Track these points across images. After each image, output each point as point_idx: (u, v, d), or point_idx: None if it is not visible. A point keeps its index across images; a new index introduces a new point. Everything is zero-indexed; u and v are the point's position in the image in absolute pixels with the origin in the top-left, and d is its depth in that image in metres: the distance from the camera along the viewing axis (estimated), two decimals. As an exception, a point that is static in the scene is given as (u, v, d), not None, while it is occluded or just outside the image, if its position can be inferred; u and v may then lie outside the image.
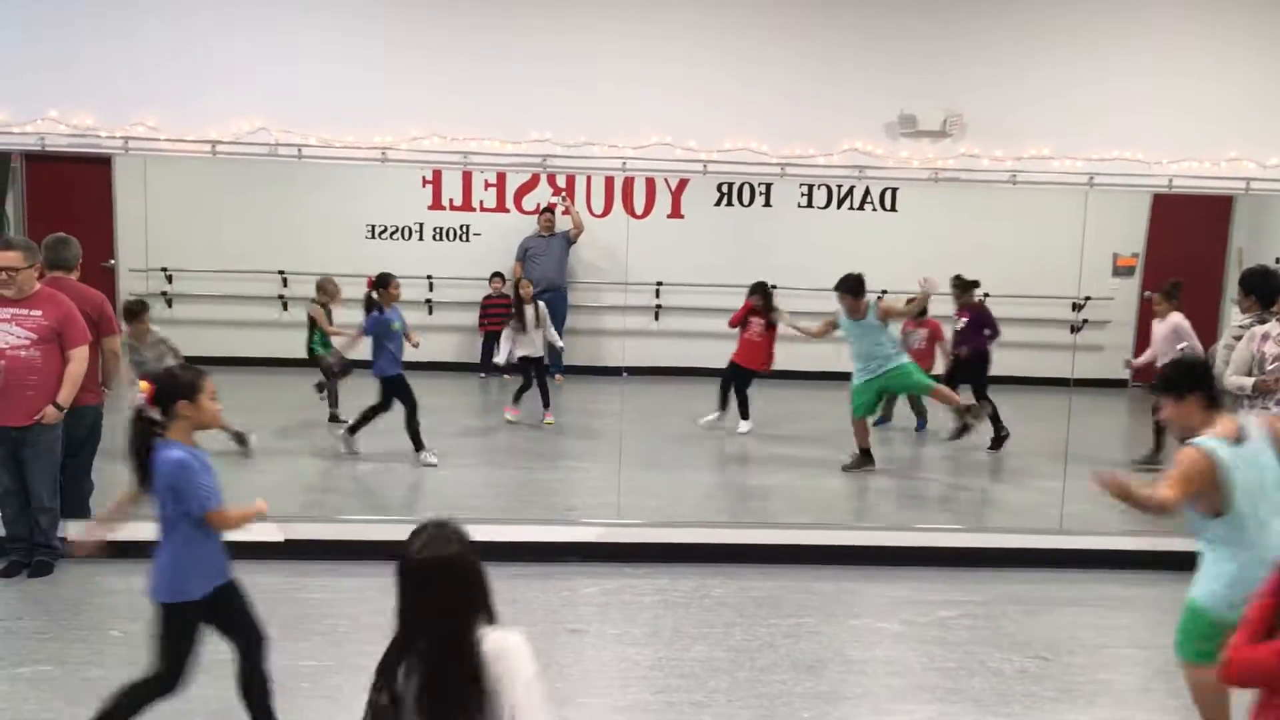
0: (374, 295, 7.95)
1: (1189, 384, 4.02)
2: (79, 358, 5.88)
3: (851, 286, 8.06)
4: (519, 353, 9.25)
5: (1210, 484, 3.84)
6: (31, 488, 5.95)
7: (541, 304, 9.28)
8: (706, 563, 6.44)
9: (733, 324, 9.08)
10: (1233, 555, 3.88)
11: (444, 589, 2.69)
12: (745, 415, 9.20)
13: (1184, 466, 3.86)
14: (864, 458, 8.20)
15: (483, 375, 10.58)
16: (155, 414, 3.80)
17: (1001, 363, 10.05)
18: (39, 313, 5.75)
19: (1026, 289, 9.85)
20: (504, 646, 2.68)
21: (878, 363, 8.15)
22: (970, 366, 8.85)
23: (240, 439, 7.81)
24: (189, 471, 3.78)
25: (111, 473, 6.88)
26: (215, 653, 4.06)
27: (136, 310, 7.53)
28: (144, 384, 3.83)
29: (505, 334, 9.20)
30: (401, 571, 2.72)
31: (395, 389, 7.93)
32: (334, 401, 8.92)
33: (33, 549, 6.05)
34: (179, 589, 3.88)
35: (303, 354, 8.70)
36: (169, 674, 3.90)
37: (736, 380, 9.14)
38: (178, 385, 3.84)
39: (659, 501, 7.55)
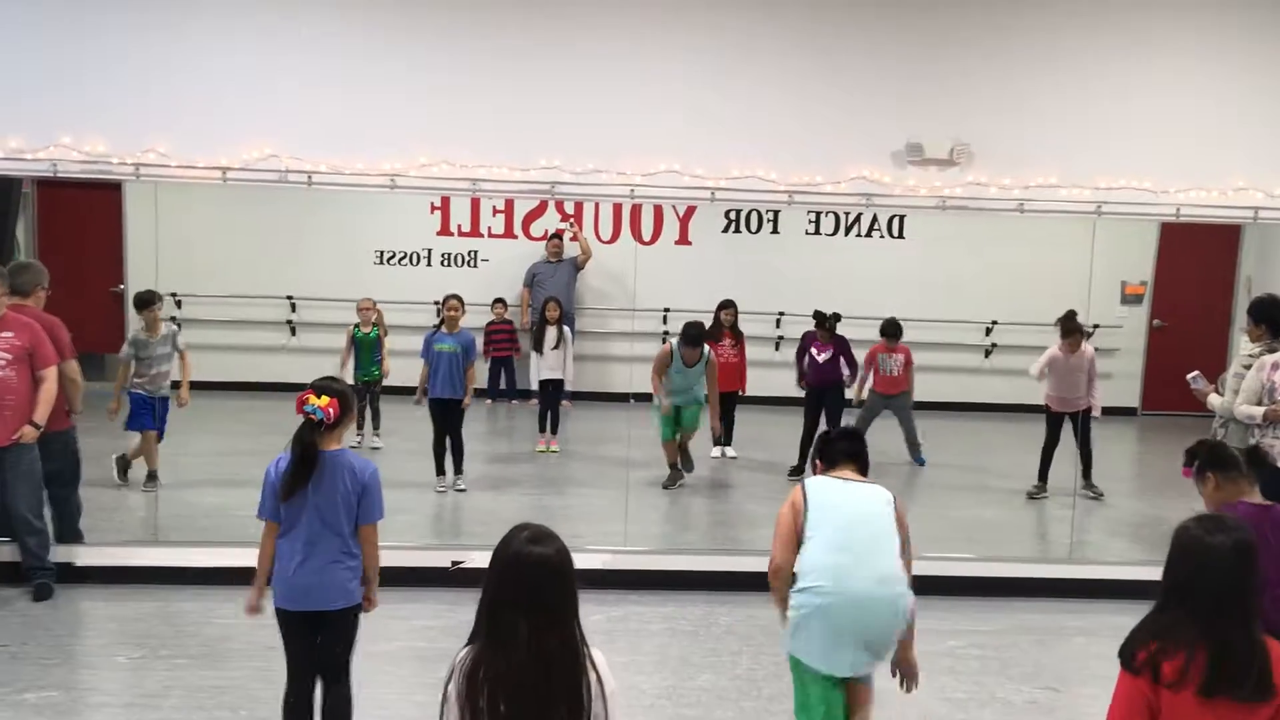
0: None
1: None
2: (51, 377, 5.95)
3: (693, 338, 8.17)
4: (540, 375, 9.29)
5: None
6: (16, 511, 5.98)
7: (566, 327, 9.33)
8: (714, 590, 6.41)
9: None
10: None
11: (558, 583, 2.67)
12: (727, 440, 9.24)
13: None
14: (675, 473, 8.49)
15: (489, 401, 10.58)
16: (330, 423, 4.00)
17: (1010, 390, 10.04)
18: (10, 334, 5.83)
19: (1035, 316, 9.83)
20: (598, 657, 2.71)
21: (688, 396, 8.38)
22: (831, 396, 8.88)
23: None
24: (379, 480, 4.10)
25: (91, 495, 6.95)
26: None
27: (148, 300, 7.56)
28: (325, 398, 3.98)
29: (533, 359, 9.39)
30: (511, 565, 2.67)
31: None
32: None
33: (30, 572, 6.07)
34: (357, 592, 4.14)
35: (308, 379, 8.72)
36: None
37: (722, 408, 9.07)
38: (350, 401, 4.13)
39: (666, 528, 7.55)
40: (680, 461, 8.50)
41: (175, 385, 7.80)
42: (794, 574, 3.91)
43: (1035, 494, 8.40)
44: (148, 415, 7.67)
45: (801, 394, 8.98)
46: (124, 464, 7.76)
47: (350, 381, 8.49)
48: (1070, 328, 8.11)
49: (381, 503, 4.15)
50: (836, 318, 8.84)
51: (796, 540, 3.92)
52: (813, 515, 3.90)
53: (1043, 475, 8.40)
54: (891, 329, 8.98)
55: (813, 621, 3.81)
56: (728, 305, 9.17)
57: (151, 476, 7.86)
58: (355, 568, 4.10)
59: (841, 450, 4.18)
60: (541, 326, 9.33)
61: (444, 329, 8.03)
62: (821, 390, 8.84)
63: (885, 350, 8.98)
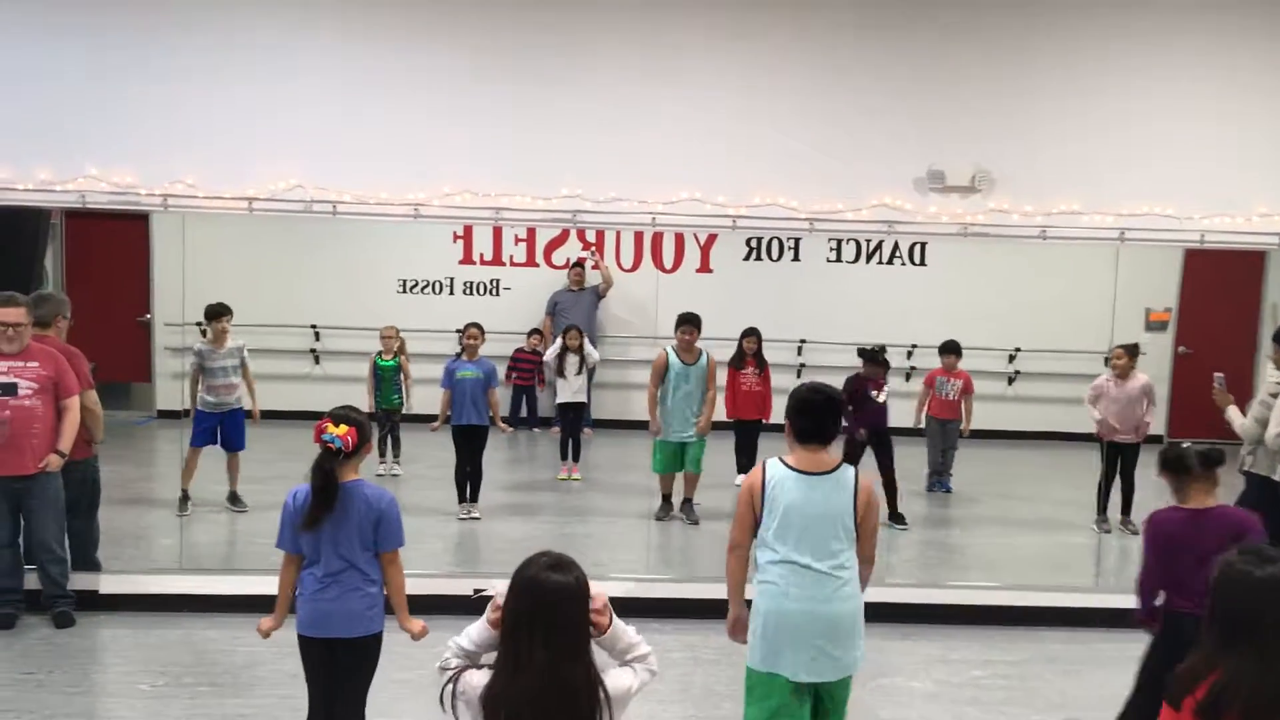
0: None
1: None
2: (75, 406, 6.03)
3: (685, 318, 8.04)
4: (560, 399, 9.31)
5: None
6: (41, 539, 6.03)
7: (588, 347, 9.35)
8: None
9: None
10: None
11: (575, 610, 2.72)
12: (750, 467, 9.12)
13: None
14: (667, 504, 8.32)
15: (512, 429, 10.60)
16: (348, 451, 4.03)
17: (1034, 418, 9.98)
18: (36, 364, 5.91)
19: (1058, 344, 9.80)
20: (617, 681, 2.75)
21: (688, 425, 8.13)
22: (888, 442, 8.43)
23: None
24: (397, 509, 4.11)
25: (115, 523, 7.00)
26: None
27: (219, 311, 7.69)
28: (344, 426, 4.00)
29: (557, 383, 9.41)
30: (529, 590, 2.71)
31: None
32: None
33: (51, 600, 6.12)
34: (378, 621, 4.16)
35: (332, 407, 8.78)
36: None
37: (743, 435, 9.01)
38: (368, 430, 4.14)
39: (688, 556, 7.52)
40: (685, 512, 8.30)
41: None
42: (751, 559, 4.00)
43: (1100, 528, 8.15)
44: (206, 432, 7.75)
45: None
46: (183, 496, 7.78)
47: (369, 410, 8.58)
48: (1118, 352, 7.99)
49: (400, 530, 4.17)
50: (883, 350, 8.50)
51: (754, 524, 3.98)
52: (768, 507, 3.92)
53: (1101, 509, 8.17)
54: (953, 348, 8.86)
55: (767, 624, 3.88)
56: (750, 333, 9.12)
57: (233, 498, 7.94)
58: (375, 595, 4.11)
59: (815, 426, 3.98)
60: (563, 352, 9.36)
61: (464, 357, 8.07)
62: (879, 433, 8.36)
63: (944, 374, 8.91)
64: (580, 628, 2.72)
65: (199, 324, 7.88)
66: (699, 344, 8.15)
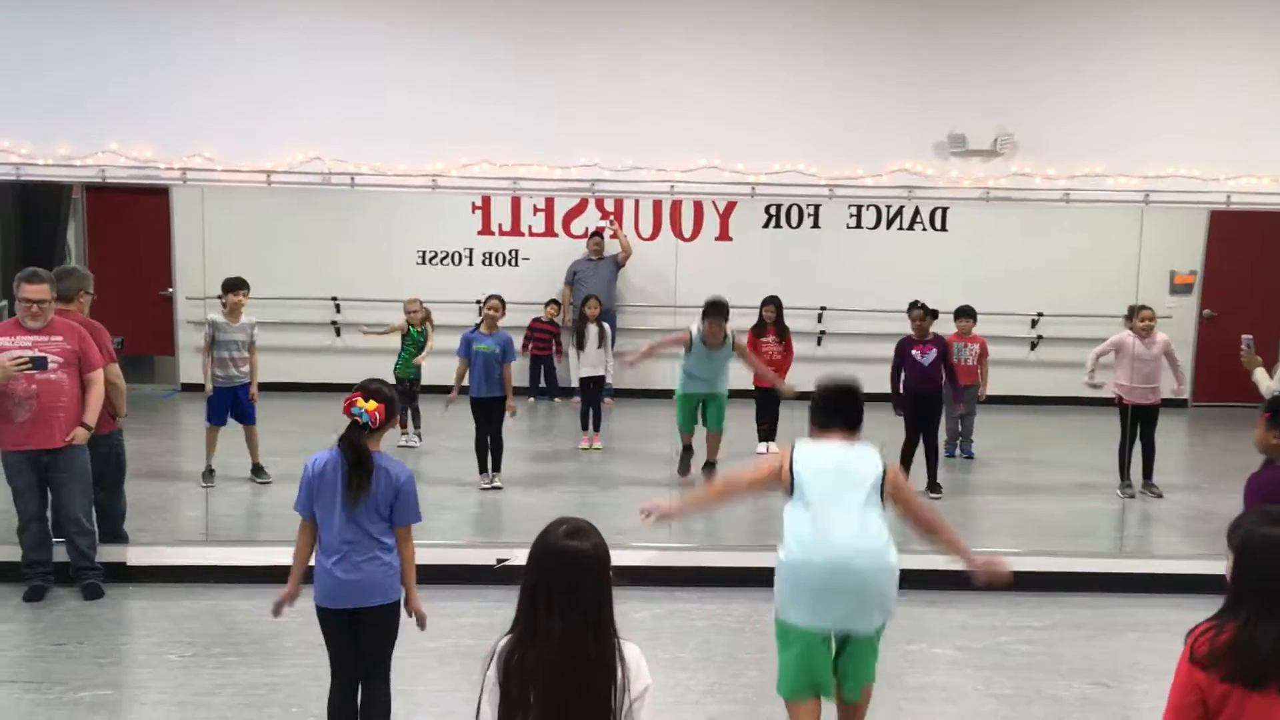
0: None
1: None
2: (99, 380, 6.06)
3: (715, 306, 7.90)
4: (581, 372, 9.31)
5: None
6: (68, 512, 6.09)
7: (606, 324, 9.34)
8: (759, 587, 6.35)
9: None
10: None
11: (593, 578, 2.69)
12: (771, 436, 9.10)
13: None
14: (687, 453, 8.29)
15: (532, 399, 10.62)
16: (374, 427, 4.06)
17: (1057, 383, 9.92)
18: (60, 338, 5.94)
19: (1081, 308, 9.72)
20: (630, 652, 2.70)
21: (709, 386, 8.11)
22: (935, 404, 8.31)
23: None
24: (414, 485, 4.15)
25: (141, 496, 7.08)
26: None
27: (236, 285, 7.76)
28: (373, 402, 4.03)
29: (571, 354, 9.39)
30: (547, 558, 2.69)
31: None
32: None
33: (79, 573, 6.18)
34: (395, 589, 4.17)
35: (353, 379, 8.83)
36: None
37: (764, 403, 8.99)
38: (395, 406, 4.17)
39: (710, 524, 7.52)
40: (707, 475, 8.16)
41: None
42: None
43: (1124, 493, 8.09)
44: (220, 410, 7.81)
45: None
46: (207, 470, 7.86)
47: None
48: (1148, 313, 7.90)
49: (417, 506, 4.19)
50: (935, 313, 8.36)
51: (761, 486, 4.14)
52: (798, 480, 4.00)
53: (1124, 474, 8.11)
54: (968, 312, 8.80)
55: (796, 579, 3.92)
56: (769, 302, 9.08)
57: (257, 469, 8.02)
58: (392, 563, 4.12)
59: (833, 412, 4.17)
60: (582, 323, 9.35)
61: (483, 328, 8.07)
62: (927, 397, 8.23)
63: (959, 339, 8.84)
64: (599, 598, 2.69)
65: (219, 297, 7.93)
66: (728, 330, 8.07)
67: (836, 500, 3.94)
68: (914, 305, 8.23)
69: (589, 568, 2.69)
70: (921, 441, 8.15)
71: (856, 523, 3.91)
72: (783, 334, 8.99)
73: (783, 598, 3.99)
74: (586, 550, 2.70)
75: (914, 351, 8.19)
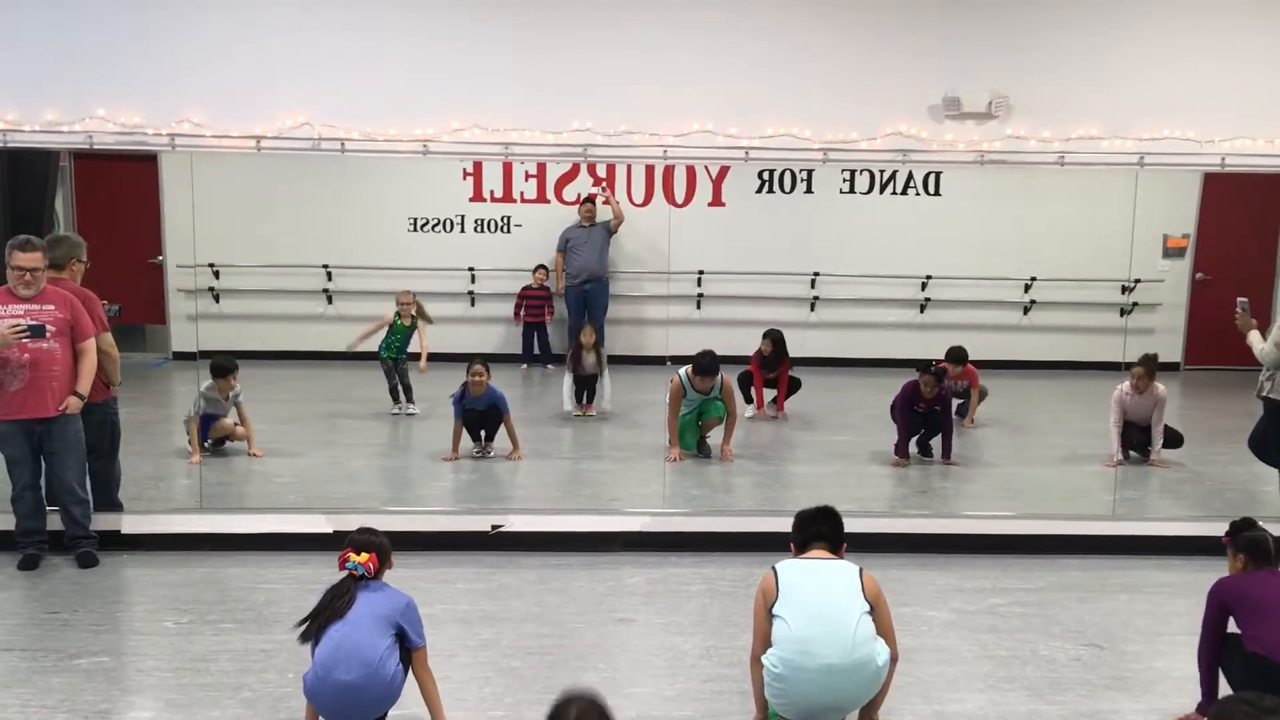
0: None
1: None
2: (91, 349, 6.04)
3: (705, 368, 7.91)
4: (566, 407, 9.23)
5: None
6: (62, 480, 6.08)
7: (602, 350, 9.24)
8: (753, 551, 6.40)
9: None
10: None
11: None
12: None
13: None
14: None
15: (524, 365, 10.61)
16: (371, 576, 4.15)
17: (1051, 347, 9.95)
18: (51, 306, 5.91)
19: (1075, 272, 9.73)
20: None
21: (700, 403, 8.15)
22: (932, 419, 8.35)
23: None
24: (417, 609, 4.18)
25: (135, 464, 7.07)
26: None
27: (224, 371, 7.87)
28: (365, 554, 4.13)
29: (566, 381, 9.16)
30: None
31: None
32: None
33: (74, 541, 6.18)
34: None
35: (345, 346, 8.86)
36: None
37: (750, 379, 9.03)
38: (388, 550, 4.28)
39: (704, 490, 7.55)
40: (699, 449, 8.22)
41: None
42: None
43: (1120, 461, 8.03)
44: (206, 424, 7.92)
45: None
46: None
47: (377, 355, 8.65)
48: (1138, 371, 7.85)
49: (422, 628, 4.16)
50: (943, 371, 8.32)
51: (768, 624, 4.14)
52: (783, 594, 4.11)
53: (1121, 447, 8.06)
54: (958, 357, 8.73)
55: (786, 691, 4.02)
56: (767, 335, 9.06)
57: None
58: (398, 682, 4.02)
59: (815, 532, 4.34)
60: (578, 351, 9.23)
61: (471, 392, 7.91)
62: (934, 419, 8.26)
63: (953, 379, 8.70)
64: None
65: (211, 289, 7.87)
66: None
67: (823, 610, 4.04)
68: (928, 369, 8.09)
69: None
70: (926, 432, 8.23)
71: (847, 629, 3.99)
72: (779, 361, 8.96)
73: (779, 704, 4.10)
74: None
75: (918, 407, 8.14)
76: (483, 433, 8.09)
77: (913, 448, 8.21)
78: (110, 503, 6.51)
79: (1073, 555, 6.48)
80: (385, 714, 4.06)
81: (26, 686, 4.69)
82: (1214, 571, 4.65)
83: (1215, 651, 4.39)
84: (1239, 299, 6.33)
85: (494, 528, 6.39)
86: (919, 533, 6.63)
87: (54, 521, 6.21)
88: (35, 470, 6.08)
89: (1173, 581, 6.12)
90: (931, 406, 8.09)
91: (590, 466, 8.17)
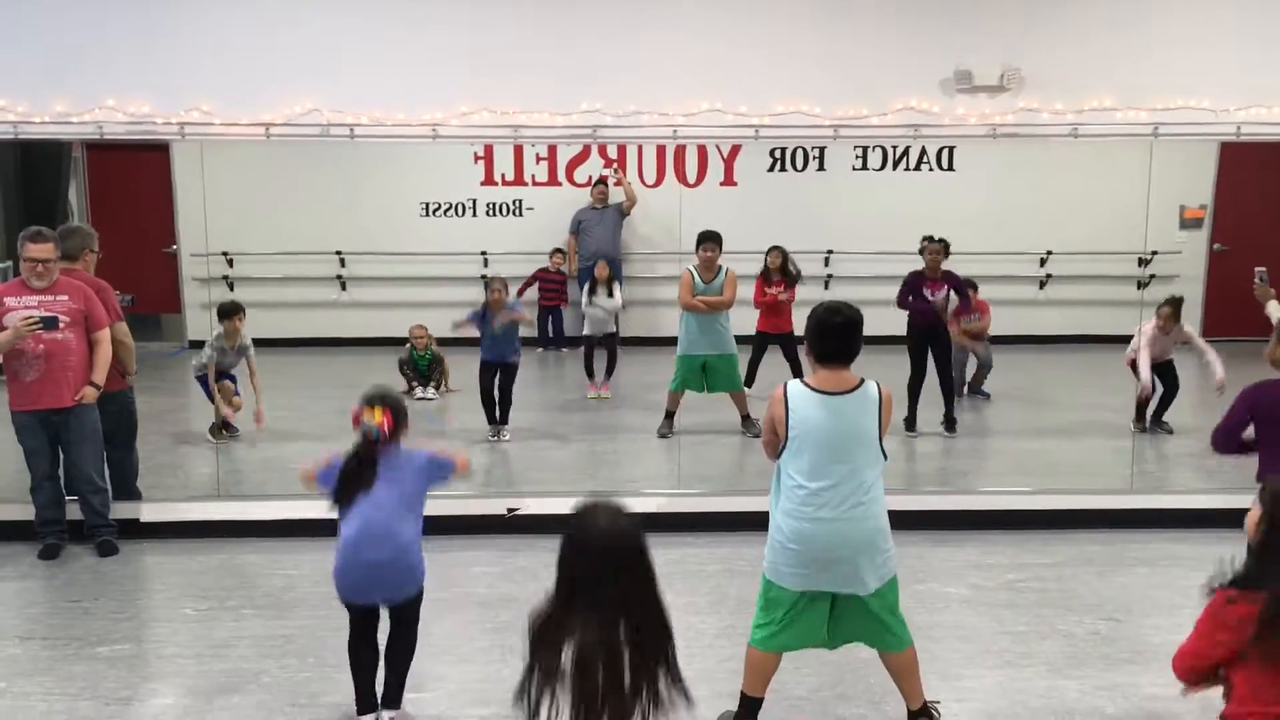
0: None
1: None
2: (105, 339, 6.07)
3: (703, 236, 7.89)
4: (587, 331, 9.27)
5: None
6: (80, 470, 6.12)
7: (616, 284, 9.29)
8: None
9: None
10: None
11: (639, 568, 2.77)
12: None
13: None
14: (669, 422, 8.18)
15: (540, 349, 10.61)
16: (387, 439, 4.12)
17: (1067, 321, 9.87)
18: (65, 297, 5.94)
19: (1091, 245, 9.64)
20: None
21: (716, 341, 8.01)
22: (942, 339, 8.18)
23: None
24: (435, 458, 4.29)
25: (152, 453, 7.10)
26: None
27: (231, 311, 7.84)
28: (378, 412, 4.09)
29: (583, 302, 9.32)
30: (580, 548, 2.71)
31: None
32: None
33: (93, 530, 6.22)
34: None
35: (359, 333, 8.87)
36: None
37: (761, 349, 8.91)
38: (404, 409, 4.24)
39: (720, 470, 7.54)
40: (746, 428, 8.14)
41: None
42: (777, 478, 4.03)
43: (1135, 428, 8.05)
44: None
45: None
46: (216, 427, 7.91)
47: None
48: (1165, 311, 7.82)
49: (447, 457, 4.30)
50: (948, 246, 8.19)
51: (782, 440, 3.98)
52: (793, 433, 3.91)
53: (1140, 415, 8.09)
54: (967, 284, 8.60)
55: (789, 547, 3.92)
56: (772, 250, 9.01)
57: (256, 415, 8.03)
58: (416, 554, 4.15)
59: (833, 344, 3.93)
60: (594, 284, 9.30)
61: (491, 311, 7.96)
62: (932, 333, 8.13)
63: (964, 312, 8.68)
64: (634, 586, 2.72)
65: (224, 277, 7.87)
66: (721, 260, 8.02)
67: (834, 459, 3.88)
68: (927, 239, 8.10)
69: (643, 554, 2.80)
70: (938, 379, 8.10)
71: (855, 483, 3.88)
72: (789, 279, 8.86)
73: (773, 557, 4.01)
74: (638, 539, 2.79)
75: (924, 289, 8.07)
76: (498, 413, 8.09)
77: (921, 420, 8.14)
78: (128, 491, 6.56)
79: (1090, 530, 6.46)
80: (401, 601, 4.13)
81: (49, 675, 4.74)
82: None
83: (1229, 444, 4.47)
84: (1257, 269, 6.26)
85: (510, 511, 6.40)
86: (936, 509, 6.61)
87: (73, 511, 6.26)
88: (53, 460, 6.12)
89: (1191, 554, 6.09)
90: (936, 292, 7.99)
91: (606, 448, 8.18)
